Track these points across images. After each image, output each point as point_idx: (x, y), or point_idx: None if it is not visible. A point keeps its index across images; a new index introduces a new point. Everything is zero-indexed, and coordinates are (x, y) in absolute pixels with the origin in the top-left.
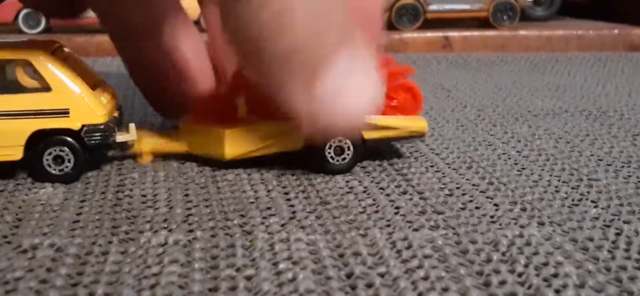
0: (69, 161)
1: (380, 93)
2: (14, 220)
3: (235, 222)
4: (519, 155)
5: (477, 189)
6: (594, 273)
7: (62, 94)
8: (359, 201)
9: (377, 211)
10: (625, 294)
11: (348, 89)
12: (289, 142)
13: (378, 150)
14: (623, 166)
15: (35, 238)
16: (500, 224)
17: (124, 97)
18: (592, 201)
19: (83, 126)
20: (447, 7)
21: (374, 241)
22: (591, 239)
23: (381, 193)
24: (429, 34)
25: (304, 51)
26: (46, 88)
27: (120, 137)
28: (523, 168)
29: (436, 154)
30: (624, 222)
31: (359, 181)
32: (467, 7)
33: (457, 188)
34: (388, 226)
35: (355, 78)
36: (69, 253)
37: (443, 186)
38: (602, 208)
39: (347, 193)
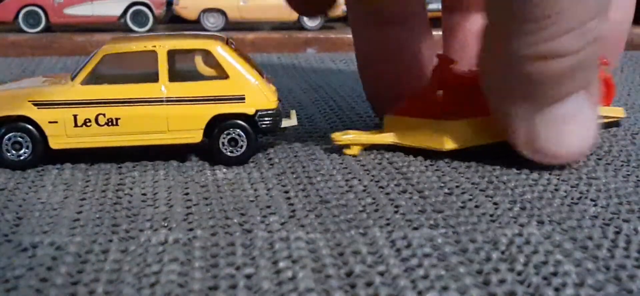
0: (241, 146)
1: (593, 141)
2: (14, 219)
3: (235, 221)
4: (518, 154)
5: (476, 188)
6: (593, 271)
7: (238, 81)
8: (359, 199)
9: (376, 210)
10: (625, 292)
11: (569, 128)
12: (500, 134)
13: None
14: (622, 165)
15: (36, 237)
16: (499, 223)
17: None
18: (592, 200)
19: (257, 111)
20: None
21: (374, 240)
22: (590, 238)
23: (381, 192)
24: None
25: (547, 80)
26: (224, 76)
27: (285, 123)
28: (522, 167)
29: (435, 152)
30: (624, 220)
31: (359, 180)
32: None
33: (457, 186)
34: (388, 224)
35: (578, 121)
36: (69, 252)
37: (442, 184)
38: (602, 207)
39: (347, 191)
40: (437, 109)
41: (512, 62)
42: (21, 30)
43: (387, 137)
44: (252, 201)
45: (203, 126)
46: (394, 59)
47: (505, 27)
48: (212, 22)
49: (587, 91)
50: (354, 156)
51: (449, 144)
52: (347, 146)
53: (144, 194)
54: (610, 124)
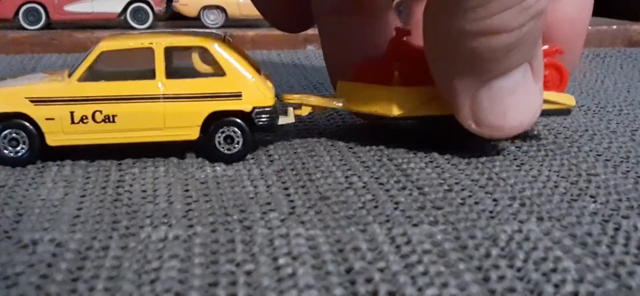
0: (237, 142)
1: (537, 114)
2: (14, 215)
3: (235, 217)
4: (518, 150)
5: (476, 185)
6: (592, 267)
7: (235, 78)
8: (359, 196)
9: (376, 207)
10: (624, 289)
11: (512, 101)
12: (449, 107)
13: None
14: (622, 161)
15: (36, 233)
16: (499, 220)
17: None
18: (591, 196)
19: (254, 108)
20: None
21: (374, 237)
22: (590, 234)
23: (380, 189)
24: None
25: (489, 55)
26: (221, 73)
27: (281, 120)
28: (522, 164)
29: (435, 149)
30: (623, 217)
31: (359, 177)
32: None
33: (456, 183)
34: (387, 221)
35: (521, 94)
36: (69, 248)
37: (442, 181)
38: (601, 203)
39: (347, 188)
40: (388, 76)
41: (455, 38)
42: (21, 28)
43: (337, 102)
44: (251, 197)
45: (200, 123)
46: (355, 49)
47: (447, 3)
48: (212, 19)
49: (530, 65)
50: (302, 115)
51: (397, 111)
52: (299, 106)
53: (144, 191)
54: (561, 111)
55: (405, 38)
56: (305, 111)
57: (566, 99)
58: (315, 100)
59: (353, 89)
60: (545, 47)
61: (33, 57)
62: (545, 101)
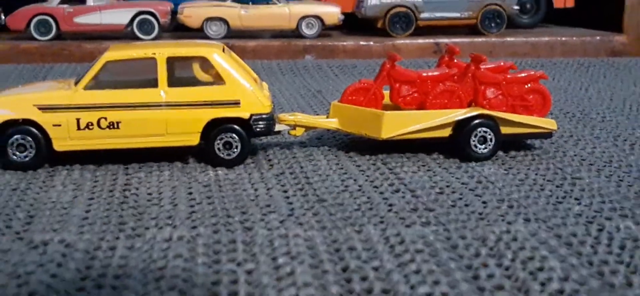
0: (236, 147)
1: None
2: (26, 217)
3: (236, 219)
4: (506, 155)
5: (466, 188)
6: (577, 267)
7: (234, 87)
8: (354, 198)
9: (371, 209)
10: (607, 287)
11: None
12: (439, 130)
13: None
14: (605, 165)
15: (46, 234)
16: (488, 221)
17: None
18: (576, 199)
19: (252, 115)
20: (438, 14)
21: (369, 237)
22: (575, 235)
23: (375, 191)
24: (421, 41)
25: None
26: (220, 82)
27: (278, 127)
28: (510, 167)
29: (427, 153)
30: (606, 219)
31: (354, 180)
32: (456, 14)
33: (448, 186)
34: (382, 222)
35: None
36: (78, 249)
37: (434, 184)
38: (585, 205)
39: (343, 191)
40: (379, 99)
41: None
42: (33, 38)
43: (330, 123)
44: (252, 200)
45: (200, 130)
46: None
47: None
48: (214, 30)
49: None
50: (297, 136)
51: (385, 134)
52: (293, 127)
53: (150, 194)
54: (543, 135)
55: (396, 62)
56: (299, 132)
57: (548, 124)
58: (308, 121)
59: (345, 111)
60: (531, 72)
61: (44, 66)
62: (529, 125)
